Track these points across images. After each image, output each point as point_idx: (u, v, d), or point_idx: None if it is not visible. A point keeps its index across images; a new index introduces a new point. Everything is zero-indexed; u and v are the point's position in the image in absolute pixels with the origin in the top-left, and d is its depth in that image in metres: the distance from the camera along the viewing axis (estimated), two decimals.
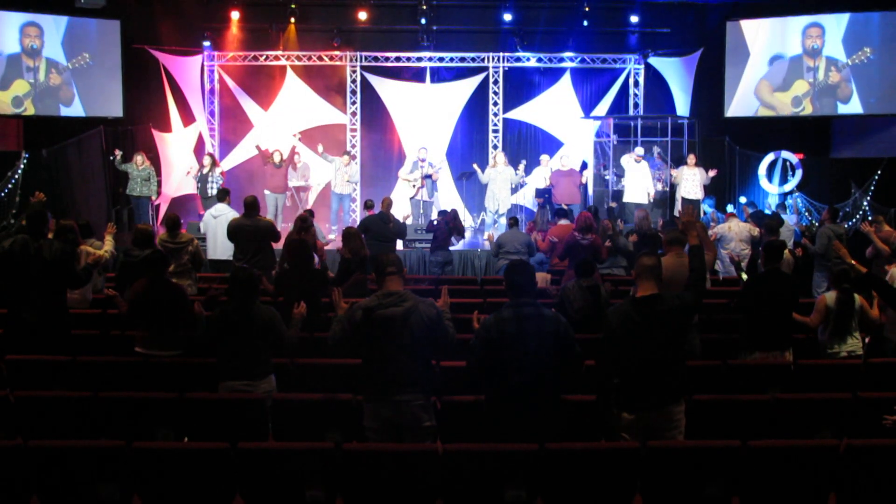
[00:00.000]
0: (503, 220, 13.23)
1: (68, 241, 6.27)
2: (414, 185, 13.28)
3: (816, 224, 11.44)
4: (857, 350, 5.99)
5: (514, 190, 14.06)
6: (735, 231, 9.51)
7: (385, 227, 9.54)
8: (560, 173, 13.10)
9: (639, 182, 13.02)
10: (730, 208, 11.65)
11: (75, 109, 13.43)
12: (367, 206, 10.55)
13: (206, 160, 12.97)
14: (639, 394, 4.16)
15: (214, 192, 12.07)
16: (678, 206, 12.72)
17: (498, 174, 13.13)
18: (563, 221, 9.59)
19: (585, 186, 13.96)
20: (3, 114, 12.96)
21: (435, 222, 10.35)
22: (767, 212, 11.52)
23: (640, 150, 13.19)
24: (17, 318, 5.75)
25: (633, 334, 4.14)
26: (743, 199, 12.53)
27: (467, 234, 13.51)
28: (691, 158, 12.94)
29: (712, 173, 12.86)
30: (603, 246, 8.39)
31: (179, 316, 5.47)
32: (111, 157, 12.82)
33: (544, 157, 13.97)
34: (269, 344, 4.93)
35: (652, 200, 13.07)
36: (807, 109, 13.63)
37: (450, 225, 10.04)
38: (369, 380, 4.22)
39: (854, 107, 13.42)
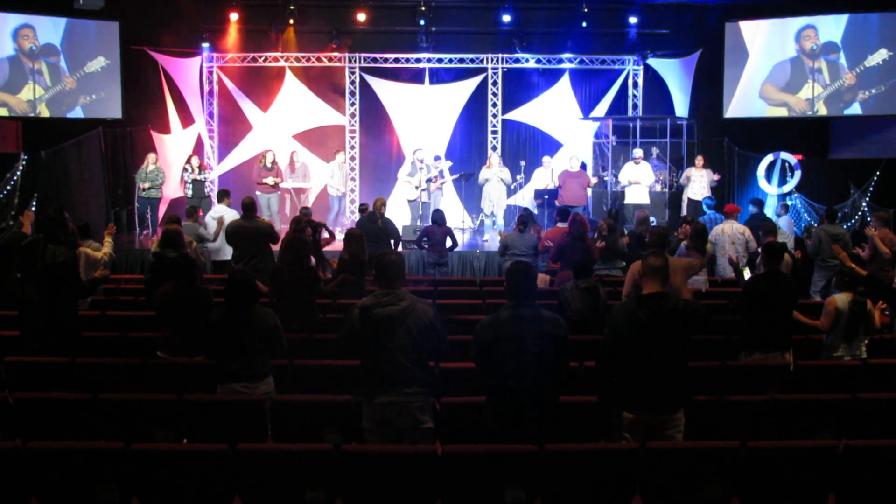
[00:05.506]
0: (500, 221, 13.19)
1: (67, 242, 6.24)
2: (417, 188, 13.24)
3: (815, 225, 11.41)
4: (862, 354, 5.95)
5: (514, 191, 14.04)
6: (728, 234, 9.34)
7: (373, 226, 9.39)
8: (568, 174, 12.92)
9: (639, 183, 13.01)
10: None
11: (74, 111, 13.42)
12: (361, 209, 10.53)
13: (194, 161, 12.97)
14: (640, 394, 4.15)
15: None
16: (684, 207, 12.75)
17: (493, 175, 13.11)
18: (563, 224, 9.46)
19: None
20: (18, 115, 12.97)
21: (426, 238, 10.07)
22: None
23: (638, 152, 13.17)
24: (29, 321, 5.68)
25: (637, 332, 4.12)
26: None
27: (466, 236, 13.50)
28: (699, 160, 12.91)
29: (716, 177, 12.89)
30: (594, 247, 8.34)
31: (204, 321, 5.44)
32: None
33: (546, 159, 13.86)
34: (269, 348, 4.92)
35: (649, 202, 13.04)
36: (821, 111, 13.59)
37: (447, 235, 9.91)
38: (368, 380, 4.21)
39: (853, 107, 13.43)
